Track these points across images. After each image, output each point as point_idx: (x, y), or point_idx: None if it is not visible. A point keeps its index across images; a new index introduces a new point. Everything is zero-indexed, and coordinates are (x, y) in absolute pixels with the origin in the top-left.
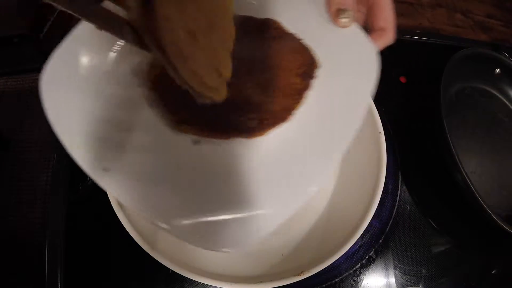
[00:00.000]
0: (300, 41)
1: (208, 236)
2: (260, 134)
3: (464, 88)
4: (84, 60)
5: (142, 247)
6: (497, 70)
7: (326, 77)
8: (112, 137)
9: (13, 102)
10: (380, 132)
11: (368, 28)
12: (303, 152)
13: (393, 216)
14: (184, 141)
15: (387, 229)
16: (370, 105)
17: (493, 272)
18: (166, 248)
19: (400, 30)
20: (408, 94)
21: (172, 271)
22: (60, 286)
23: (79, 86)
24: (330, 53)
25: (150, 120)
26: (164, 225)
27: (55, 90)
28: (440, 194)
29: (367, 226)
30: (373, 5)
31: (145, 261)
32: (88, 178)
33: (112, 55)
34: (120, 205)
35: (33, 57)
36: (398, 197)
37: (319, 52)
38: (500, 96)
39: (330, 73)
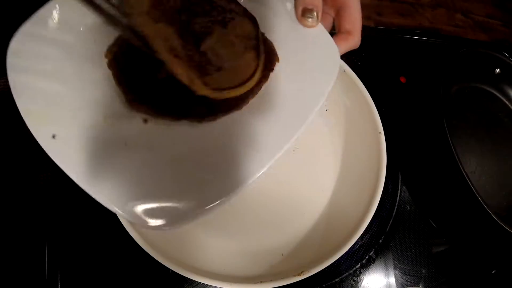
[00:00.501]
0: (263, 34)
1: (144, 214)
2: (212, 120)
3: (464, 88)
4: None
5: (142, 247)
6: (497, 70)
7: (284, 71)
8: (66, 107)
9: (13, 102)
10: (380, 132)
11: (335, 30)
12: (251, 139)
13: (393, 216)
14: (134, 119)
15: (387, 229)
16: (323, 106)
17: (493, 272)
18: (166, 248)
19: (400, 30)
20: (408, 94)
21: (172, 271)
22: (60, 286)
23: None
24: (292, 50)
25: (105, 96)
26: (108, 204)
27: (20, 65)
28: (440, 194)
29: (367, 226)
30: (341, 8)
31: (145, 261)
32: None
33: (78, 31)
34: None
35: None
36: (398, 197)
37: (281, 48)
38: (500, 96)
39: (289, 69)
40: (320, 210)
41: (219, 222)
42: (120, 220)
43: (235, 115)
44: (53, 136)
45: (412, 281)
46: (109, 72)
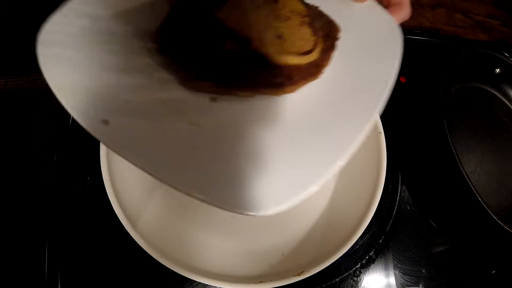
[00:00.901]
0: (317, 8)
1: (231, 195)
2: (290, 91)
3: (464, 88)
4: (87, 21)
5: (142, 247)
6: (497, 70)
7: (348, 42)
8: (119, 98)
9: (13, 102)
10: (380, 132)
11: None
12: (332, 116)
13: (393, 216)
14: (201, 99)
15: (387, 229)
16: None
17: (493, 272)
18: (166, 248)
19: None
20: (408, 94)
21: (172, 271)
22: (60, 286)
23: (82, 48)
24: (350, 24)
25: (162, 81)
26: (178, 184)
27: (55, 54)
28: (440, 194)
29: (367, 226)
30: None
31: (145, 261)
32: (88, 178)
33: (117, 16)
34: (121, 205)
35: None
36: (398, 197)
37: (338, 21)
38: (500, 96)
39: (352, 40)
40: (320, 210)
41: (219, 222)
42: (120, 219)
43: (311, 88)
44: (105, 122)
45: (412, 281)
46: (159, 55)
